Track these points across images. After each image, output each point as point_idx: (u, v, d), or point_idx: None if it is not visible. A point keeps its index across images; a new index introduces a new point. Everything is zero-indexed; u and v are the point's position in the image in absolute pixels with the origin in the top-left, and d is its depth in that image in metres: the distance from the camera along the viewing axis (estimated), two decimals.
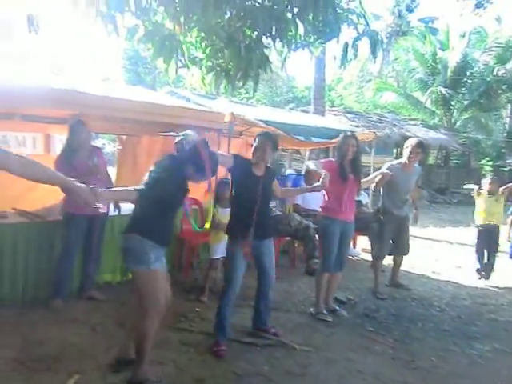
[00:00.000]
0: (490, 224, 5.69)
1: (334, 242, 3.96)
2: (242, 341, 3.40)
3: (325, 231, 4.04)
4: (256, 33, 2.90)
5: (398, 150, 16.12)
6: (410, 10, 28.61)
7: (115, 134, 7.33)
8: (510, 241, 6.42)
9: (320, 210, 4.22)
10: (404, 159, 4.78)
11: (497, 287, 5.49)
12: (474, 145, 19.67)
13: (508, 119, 22.12)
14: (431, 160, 19.27)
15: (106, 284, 4.37)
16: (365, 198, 6.52)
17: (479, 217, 5.82)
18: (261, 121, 5.84)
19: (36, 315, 3.55)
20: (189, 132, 2.82)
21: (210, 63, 3.21)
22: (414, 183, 4.94)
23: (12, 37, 14.18)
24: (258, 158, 3.30)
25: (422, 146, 4.74)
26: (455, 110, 19.21)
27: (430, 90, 18.27)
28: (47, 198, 4.23)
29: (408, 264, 5.76)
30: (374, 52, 2.92)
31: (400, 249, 4.98)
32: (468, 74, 18.45)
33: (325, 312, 4.03)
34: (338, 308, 4.20)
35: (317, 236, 4.80)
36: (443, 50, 19.23)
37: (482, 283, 5.61)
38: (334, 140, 6.19)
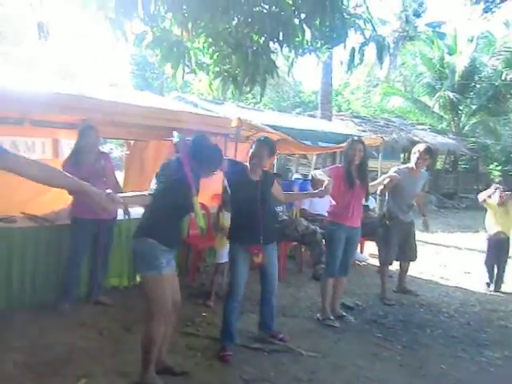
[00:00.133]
0: (500, 236, 5.56)
1: (339, 247, 3.96)
2: (249, 346, 3.39)
3: (330, 237, 4.04)
4: (263, 38, 2.91)
5: (406, 154, 16.03)
6: (417, 14, 28.59)
7: (123, 139, 7.36)
8: None
9: (327, 214, 4.22)
10: (411, 164, 4.77)
11: (506, 293, 5.42)
12: (482, 149, 19.54)
13: None
14: (439, 165, 19.16)
15: (113, 288, 4.38)
16: (372, 203, 6.49)
17: (490, 227, 5.69)
18: (268, 126, 5.86)
19: (44, 319, 3.56)
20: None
21: (217, 69, 3.22)
22: (420, 188, 4.93)
23: (22, 43, 14.38)
24: (254, 164, 3.30)
25: (430, 153, 4.72)
26: (463, 115, 19.13)
27: (437, 94, 18.23)
28: (56, 202, 4.26)
29: (416, 270, 5.72)
30: (380, 57, 2.92)
31: (407, 255, 4.94)
32: (476, 78, 18.39)
33: (332, 317, 4.01)
34: (345, 314, 4.18)
35: (324, 241, 4.79)
36: (451, 55, 19.19)
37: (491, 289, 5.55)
38: (341, 145, 6.20)
